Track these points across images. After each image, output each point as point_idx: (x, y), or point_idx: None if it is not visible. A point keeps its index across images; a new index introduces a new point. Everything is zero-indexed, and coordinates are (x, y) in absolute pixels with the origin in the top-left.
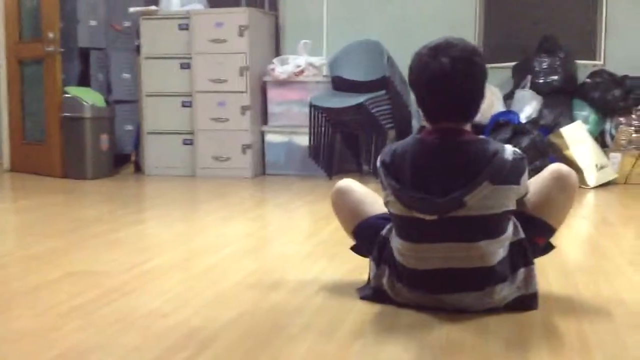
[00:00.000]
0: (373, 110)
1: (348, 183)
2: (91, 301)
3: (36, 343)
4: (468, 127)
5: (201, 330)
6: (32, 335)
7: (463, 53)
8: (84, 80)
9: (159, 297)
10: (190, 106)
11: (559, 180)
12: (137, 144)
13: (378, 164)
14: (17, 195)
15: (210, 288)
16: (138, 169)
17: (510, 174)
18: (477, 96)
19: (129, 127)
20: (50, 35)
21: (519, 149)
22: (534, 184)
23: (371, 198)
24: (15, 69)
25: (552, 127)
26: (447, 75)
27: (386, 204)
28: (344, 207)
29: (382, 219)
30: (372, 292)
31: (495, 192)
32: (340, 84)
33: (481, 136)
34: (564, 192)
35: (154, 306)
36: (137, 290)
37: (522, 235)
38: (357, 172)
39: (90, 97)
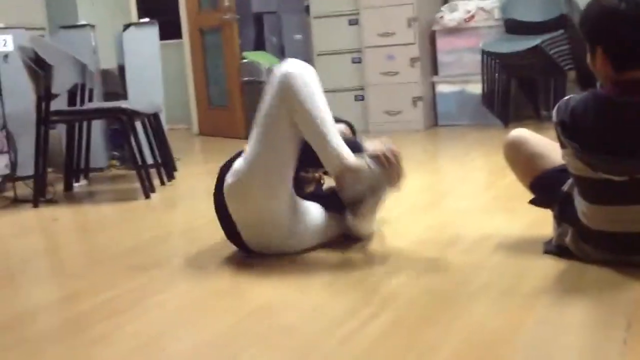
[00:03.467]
0: (551, 52)
1: (521, 133)
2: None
3: (233, 301)
4: None
5: (382, 287)
6: (228, 293)
7: None
8: (259, 44)
9: (342, 255)
10: (360, 62)
11: None
12: None
13: (554, 120)
14: (207, 157)
15: (388, 245)
16: None
17: None
18: None
19: None
20: (226, 3)
21: None
22: None
23: (548, 149)
24: (196, 39)
25: None
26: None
27: (565, 161)
28: (518, 159)
29: (561, 171)
30: (556, 248)
31: None
32: (513, 27)
33: None
34: None
35: (338, 261)
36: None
37: None
38: (535, 118)
39: (266, 61)
